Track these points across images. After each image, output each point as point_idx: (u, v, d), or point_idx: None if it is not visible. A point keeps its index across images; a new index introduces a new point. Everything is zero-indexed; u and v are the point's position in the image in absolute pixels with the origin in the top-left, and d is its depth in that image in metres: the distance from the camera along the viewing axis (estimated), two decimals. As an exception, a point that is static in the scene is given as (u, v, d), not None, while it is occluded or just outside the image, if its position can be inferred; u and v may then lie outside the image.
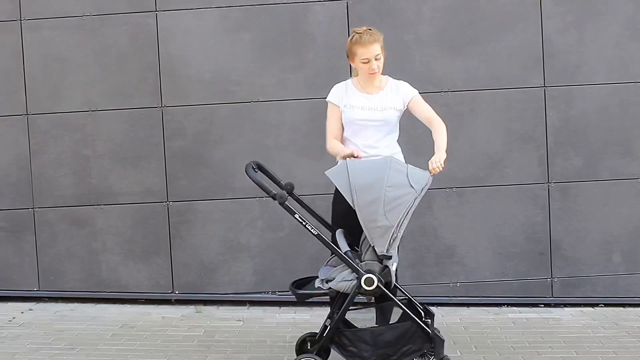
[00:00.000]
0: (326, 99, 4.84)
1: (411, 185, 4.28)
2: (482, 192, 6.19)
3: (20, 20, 6.29)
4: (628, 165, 6.16)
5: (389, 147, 4.81)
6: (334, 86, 4.86)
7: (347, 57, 4.76)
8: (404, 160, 4.82)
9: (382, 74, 4.80)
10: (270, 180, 4.74)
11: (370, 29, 4.67)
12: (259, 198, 6.16)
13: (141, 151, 6.30)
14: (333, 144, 4.78)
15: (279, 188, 4.72)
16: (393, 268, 4.37)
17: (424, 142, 6.14)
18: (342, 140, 4.84)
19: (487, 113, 6.17)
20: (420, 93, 6.20)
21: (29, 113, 6.33)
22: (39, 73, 6.33)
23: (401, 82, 4.88)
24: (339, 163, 4.56)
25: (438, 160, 4.45)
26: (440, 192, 6.16)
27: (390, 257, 4.31)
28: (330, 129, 4.82)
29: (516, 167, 6.18)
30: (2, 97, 6.35)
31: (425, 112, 4.82)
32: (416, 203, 4.26)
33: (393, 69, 6.11)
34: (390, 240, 4.26)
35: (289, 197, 4.56)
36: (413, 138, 6.16)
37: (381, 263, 4.33)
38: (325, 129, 4.85)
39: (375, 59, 4.65)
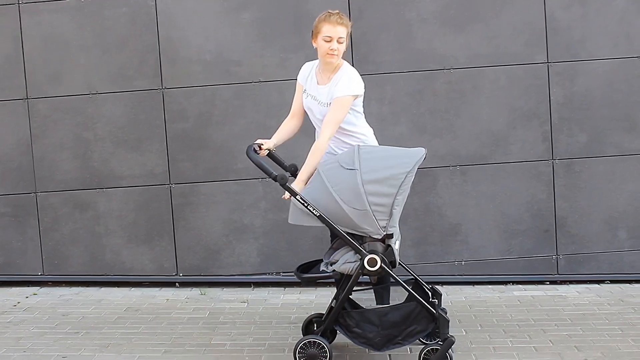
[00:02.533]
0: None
1: (349, 169, 4.29)
2: (486, 169, 6.15)
3: (19, 3, 6.25)
4: (633, 140, 6.11)
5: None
6: (305, 64, 4.85)
7: (312, 36, 4.64)
8: (376, 142, 4.80)
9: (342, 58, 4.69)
10: (272, 161, 4.72)
11: (342, 14, 4.60)
12: (262, 179, 6.14)
13: (143, 134, 6.27)
14: (280, 127, 4.86)
15: (281, 169, 4.70)
16: (396, 246, 4.36)
17: (426, 121, 6.12)
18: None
19: (490, 90, 6.12)
20: (422, 71, 6.18)
21: (29, 97, 6.30)
22: (39, 57, 6.29)
23: (351, 75, 4.61)
24: (312, 177, 4.50)
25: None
26: (444, 170, 6.13)
27: (391, 236, 4.29)
28: (293, 105, 4.85)
29: (520, 144, 6.13)
30: (2, 81, 6.32)
31: (326, 117, 4.57)
32: (408, 179, 4.25)
33: (395, 47, 6.10)
34: (381, 219, 4.24)
35: (291, 177, 4.55)
36: (416, 117, 6.14)
37: (384, 242, 4.31)
38: None
39: (338, 41, 4.54)
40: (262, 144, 4.62)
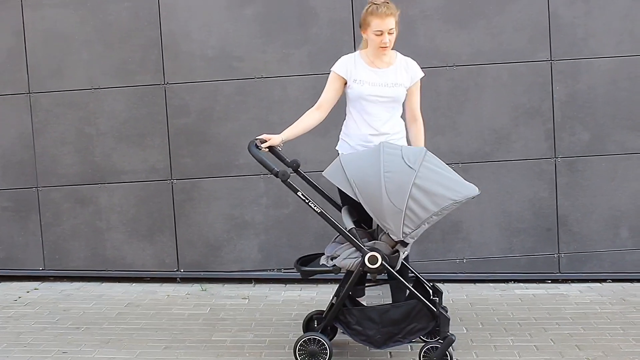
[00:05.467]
0: (331, 69, 4.74)
1: (409, 167, 4.22)
2: (488, 167, 6.14)
3: (21, -3, 6.26)
4: (636, 139, 6.09)
5: (395, 128, 4.74)
6: (342, 57, 4.77)
7: (360, 27, 4.67)
8: (406, 142, 4.78)
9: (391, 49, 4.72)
10: (274, 157, 4.70)
11: (388, 2, 4.58)
12: (264, 175, 6.13)
13: (145, 129, 6.27)
14: (302, 118, 4.69)
15: (283, 165, 4.68)
16: (402, 255, 4.35)
17: (429, 118, 6.10)
18: (347, 117, 4.80)
19: (493, 87, 6.11)
20: (425, 68, 6.16)
21: (31, 92, 6.30)
22: (41, 51, 6.28)
23: (410, 59, 4.80)
24: (334, 161, 4.41)
25: None
26: (446, 167, 6.11)
27: (406, 245, 4.28)
28: (324, 97, 4.71)
29: (522, 142, 6.12)
30: (4, 75, 6.32)
31: (415, 104, 4.80)
32: (450, 207, 4.23)
33: (398, 44, 6.03)
34: (408, 225, 4.20)
35: (293, 174, 4.53)
36: (427, 116, 6.11)
37: (393, 247, 4.29)
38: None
39: (389, 33, 4.56)
40: (266, 139, 4.57)
